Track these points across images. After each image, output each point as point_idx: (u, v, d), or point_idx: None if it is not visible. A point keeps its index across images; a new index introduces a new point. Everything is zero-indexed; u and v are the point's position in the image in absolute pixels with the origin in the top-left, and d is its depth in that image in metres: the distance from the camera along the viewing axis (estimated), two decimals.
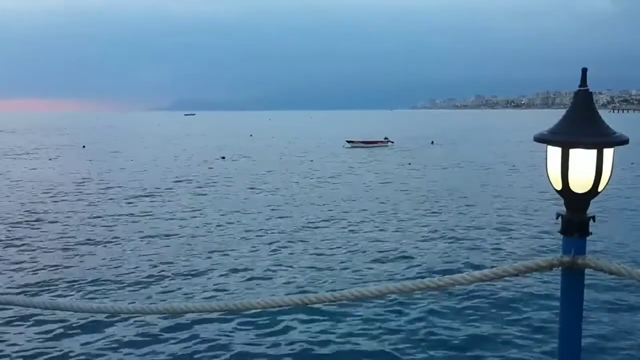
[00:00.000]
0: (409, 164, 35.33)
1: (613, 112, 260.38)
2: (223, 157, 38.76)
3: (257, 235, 14.77)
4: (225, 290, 10.45)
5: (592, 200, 1.85)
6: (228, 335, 8.31)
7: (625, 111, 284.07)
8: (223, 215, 17.75)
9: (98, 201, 20.58)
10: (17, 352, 7.83)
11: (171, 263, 12.17)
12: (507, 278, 1.91)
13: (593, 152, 1.76)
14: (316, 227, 15.78)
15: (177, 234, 14.95)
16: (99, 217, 17.44)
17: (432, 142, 53.56)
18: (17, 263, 12.23)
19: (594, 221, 1.85)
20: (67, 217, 17.42)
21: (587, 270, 1.84)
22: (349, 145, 48.96)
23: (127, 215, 17.69)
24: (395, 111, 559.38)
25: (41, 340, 8.18)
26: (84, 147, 49.03)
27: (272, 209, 18.70)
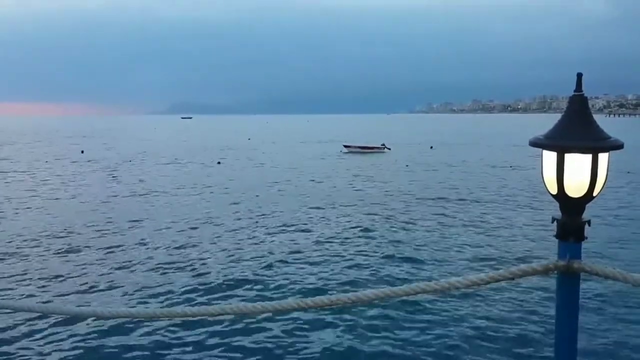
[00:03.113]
0: (407, 166, 35.50)
1: (609, 116, 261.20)
2: (219, 162, 38.79)
3: (253, 238, 14.78)
4: (228, 293, 10.46)
5: (587, 205, 1.85)
6: (225, 339, 8.30)
7: (621, 115, 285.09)
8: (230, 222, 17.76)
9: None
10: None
11: (172, 266, 12.18)
12: (503, 282, 1.91)
13: (588, 157, 1.77)
14: (316, 230, 15.79)
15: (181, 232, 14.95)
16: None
17: (432, 147, 53.38)
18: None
19: (589, 225, 1.85)
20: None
21: (582, 275, 1.85)
22: (346, 150, 49.02)
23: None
24: (392, 115, 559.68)
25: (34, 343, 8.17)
26: (82, 152, 48.77)
27: (269, 213, 18.70)
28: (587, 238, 1.85)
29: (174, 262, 12.55)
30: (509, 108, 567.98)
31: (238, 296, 10.29)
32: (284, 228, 16.25)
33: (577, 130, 1.79)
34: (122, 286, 10.92)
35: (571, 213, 1.85)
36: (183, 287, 10.84)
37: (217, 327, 8.61)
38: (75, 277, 11.56)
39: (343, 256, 12.98)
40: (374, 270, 11.89)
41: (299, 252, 13.44)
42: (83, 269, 12.12)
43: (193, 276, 11.55)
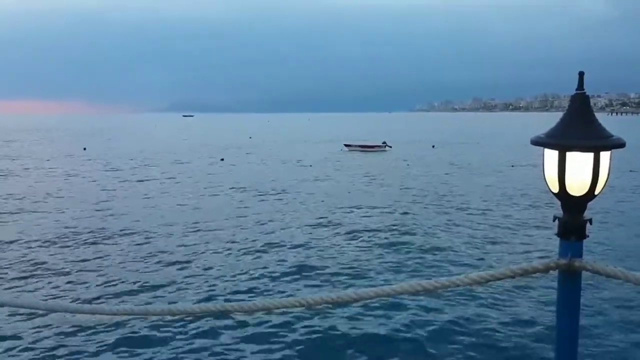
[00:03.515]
0: (408, 165, 35.47)
1: (611, 115, 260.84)
2: (222, 159, 38.87)
3: (253, 238, 14.79)
4: (225, 291, 10.47)
5: (589, 203, 1.85)
6: (225, 337, 8.31)
7: (623, 114, 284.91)
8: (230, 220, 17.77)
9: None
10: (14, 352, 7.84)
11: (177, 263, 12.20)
12: (503, 280, 1.91)
13: (590, 155, 1.77)
14: (316, 230, 15.79)
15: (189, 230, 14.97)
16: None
17: (434, 146, 52.93)
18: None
19: (590, 224, 1.85)
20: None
21: (583, 273, 1.85)
22: (346, 149, 48.97)
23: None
24: (393, 114, 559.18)
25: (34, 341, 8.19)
26: (84, 149, 48.90)
27: (274, 213, 18.71)
28: (588, 236, 1.85)
29: (175, 260, 12.55)
30: (510, 107, 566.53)
31: (239, 293, 10.31)
32: (283, 227, 16.26)
33: (578, 129, 1.79)
34: (123, 284, 10.93)
35: (573, 211, 1.85)
36: (184, 285, 10.86)
37: (217, 325, 8.62)
38: (78, 275, 11.58)
39: (345, 253, 12.98)
40: (374, 268, 11.89)
41: (299, 251, 13.45)
42: (84, 267, 12.14)
43: (194, 275, 11.55)
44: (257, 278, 11.26)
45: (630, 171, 28.23)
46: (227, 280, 11.12)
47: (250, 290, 10.50)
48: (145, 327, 8.54)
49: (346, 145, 49.77)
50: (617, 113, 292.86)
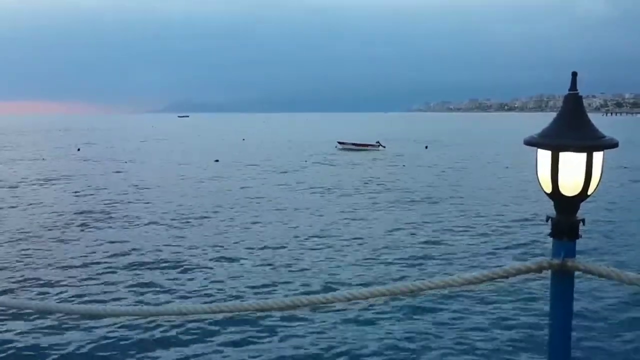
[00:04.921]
0: (403, 165, 35.47)
1: (606, 115, 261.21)
2: (217, 160, 38.81)
3: (249, 236, 14.78)
4: (222, 291, 10.46)
5: (582, 203, 1.86)
6: (222, 337, 8.30)
7: (618, 114, 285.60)
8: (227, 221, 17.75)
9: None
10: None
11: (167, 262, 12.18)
12: (496, 280, 1.91)
13: (583, 156, 1.77)
14: (310, 230, 15.80)
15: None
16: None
17: (427, 147, 52.64)
18: None
19: (583, 224, 1.85)
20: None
21: (576, 273, 1.85)
22: (340, 146, 49.14)
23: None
24: (389, 114, 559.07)
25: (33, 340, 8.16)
26: (78, 149, 48.84)
27: (268, 210, 18.71)
28: (581, 237, 1.85)
29: (168, 261, 12.54)
30: (505, 107, 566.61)
31: (235, 293, 10.31)
32: (275, 227, 16.27)
33: (571, 129, 1.79)
34: (118, 285, 10.92)
35: (565, 212, 1.85)
36: (176, 286, 10.85)
37: (213, 325, 8.61)
38: (77, 275, 11.56)
39: (337, 256, 12.99)
40: (368, 268, 11.91)
41: (293, 253, 13.45)
42: (81, 266, 12.12)
43: (190, 276, 11.55)
44: (253, 277, 11.27)
45: (625, 167, 28.48)
46: (223, 281, 11.13)
47: (247, 290, 10.50)
48: (135, 327, 8.52)
49: (340, 143, 49.92)
50: (612, 113, 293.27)
